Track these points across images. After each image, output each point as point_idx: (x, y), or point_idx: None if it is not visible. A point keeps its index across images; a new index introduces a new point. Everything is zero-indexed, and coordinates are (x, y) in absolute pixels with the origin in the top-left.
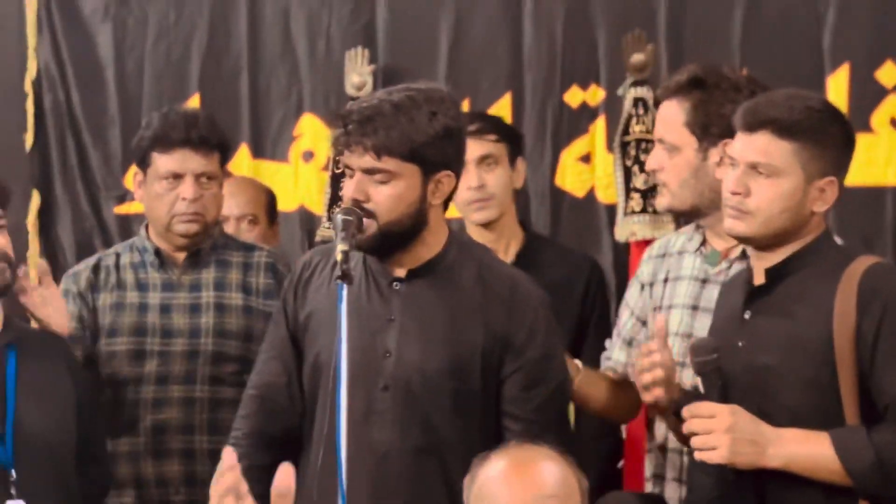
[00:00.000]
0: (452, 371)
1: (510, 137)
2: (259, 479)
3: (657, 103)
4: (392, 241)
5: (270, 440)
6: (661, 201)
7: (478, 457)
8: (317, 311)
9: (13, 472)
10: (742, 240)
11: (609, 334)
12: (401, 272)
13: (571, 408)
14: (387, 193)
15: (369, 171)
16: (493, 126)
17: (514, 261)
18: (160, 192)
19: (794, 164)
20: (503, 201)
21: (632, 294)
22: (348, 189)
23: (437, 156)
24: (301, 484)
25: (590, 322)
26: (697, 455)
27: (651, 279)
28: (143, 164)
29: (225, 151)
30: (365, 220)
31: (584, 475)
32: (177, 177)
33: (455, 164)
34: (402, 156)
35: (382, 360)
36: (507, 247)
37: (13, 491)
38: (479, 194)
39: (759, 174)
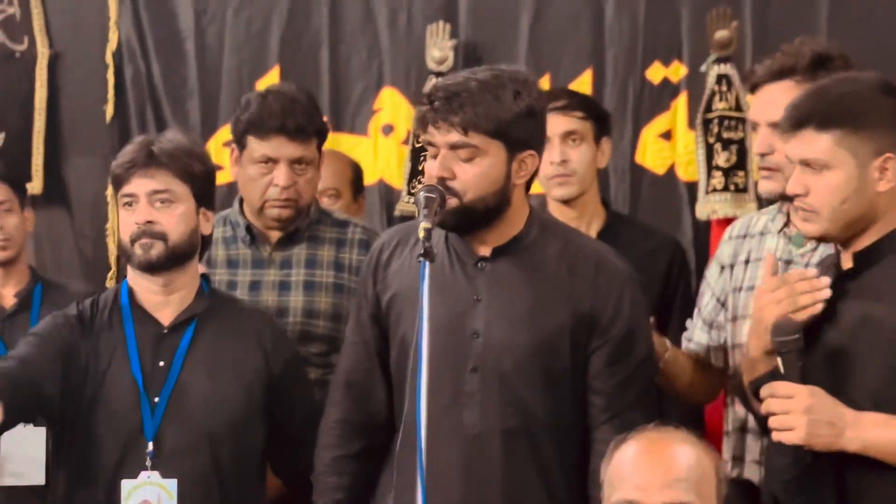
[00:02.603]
0: (542, 350)
1: (597, 116)
2: (345, 472)
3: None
4: (474, 218)
5: (358, 427)
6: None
7: (615, 440)
8: (400, 293)
9: (150, 444)
10: (818, 239)
11: (691, 314)
12: (485, 251)
13: None
14: (472, 171)
15: (455, 147)
16: (581, 103)
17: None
18: (254, 175)
19: (841, 152)
20: (585, 179)
21: (712, 274)
22: (432, 167)
23: (522, 134)
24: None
25: (672, 303)
26: (775, 436)
27: (731, 260)
28: (240, 145)
29: (323, 134)
30: (448, 197)
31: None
32: (271, 161)
33: (537, 145)
34: (489, 132)
35: (470, 342)
36: (588, 225)
37: (148, 462)
38: (561, 169)
39: (812, 171)
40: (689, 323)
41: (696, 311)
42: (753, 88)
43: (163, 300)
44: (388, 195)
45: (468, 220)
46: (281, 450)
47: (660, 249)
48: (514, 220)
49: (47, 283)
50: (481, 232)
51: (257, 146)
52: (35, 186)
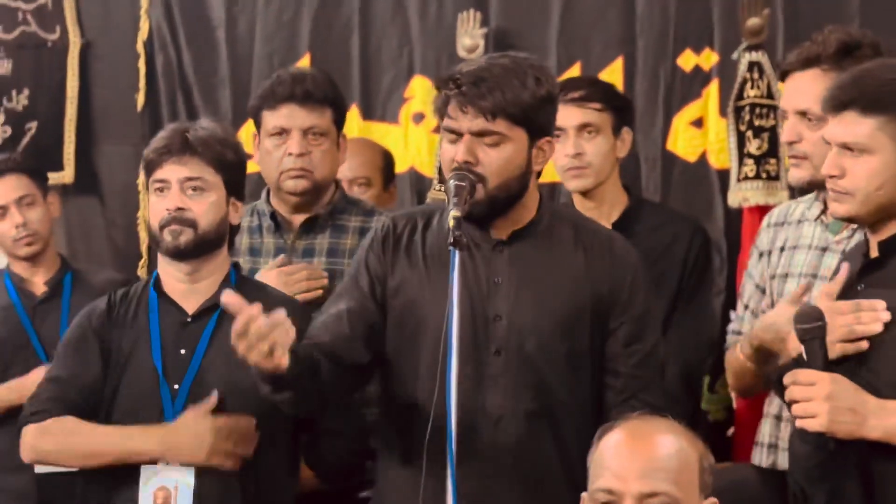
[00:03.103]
0: (565, 331)
1: (616, 106)
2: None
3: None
4: (499, 206)
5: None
6: None
7: (602, 427)
8: (411, 280)
9: None
10: (846, 220)
11: (705, 298)
12: (502, 235)
13: None
14: (496, 157)
15: (480, 134)
16: (598, 94)
17: (614, 226)
18: (270, 148)
19: (883, 138)
20: (600, 170)
21: (752, 263)
22: (454, 152)
23: (543, 121)
24: (405, 453)
25: (691, 286)
26: (797, 423)
27: (769, 247)
28: (257, 125)
29: (338, 108)
30: (477, 185)
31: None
32: (284, 132)
33: (553, 131)
34: (514, 118)
35: (493, 325)
36: (608, 213)
37: None
38: (576, 162)
39: (850, 154)
40: (733, 314)
41: (739, 302)
42: (783, 76)
43: (188, 288)
44: (419, 183)
45: (493, 210)
46: (309, 441)
47: (679, 233)
48: (528, 205)
49: (77, 272)
50: (499, 218)
51: (271, 118)
52: (66, 175)
